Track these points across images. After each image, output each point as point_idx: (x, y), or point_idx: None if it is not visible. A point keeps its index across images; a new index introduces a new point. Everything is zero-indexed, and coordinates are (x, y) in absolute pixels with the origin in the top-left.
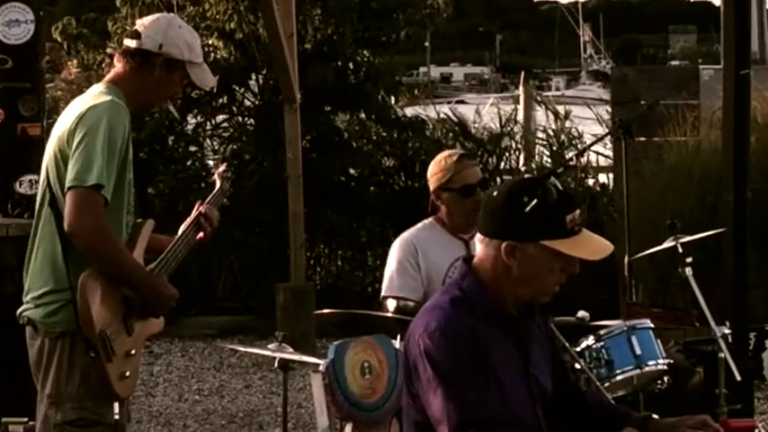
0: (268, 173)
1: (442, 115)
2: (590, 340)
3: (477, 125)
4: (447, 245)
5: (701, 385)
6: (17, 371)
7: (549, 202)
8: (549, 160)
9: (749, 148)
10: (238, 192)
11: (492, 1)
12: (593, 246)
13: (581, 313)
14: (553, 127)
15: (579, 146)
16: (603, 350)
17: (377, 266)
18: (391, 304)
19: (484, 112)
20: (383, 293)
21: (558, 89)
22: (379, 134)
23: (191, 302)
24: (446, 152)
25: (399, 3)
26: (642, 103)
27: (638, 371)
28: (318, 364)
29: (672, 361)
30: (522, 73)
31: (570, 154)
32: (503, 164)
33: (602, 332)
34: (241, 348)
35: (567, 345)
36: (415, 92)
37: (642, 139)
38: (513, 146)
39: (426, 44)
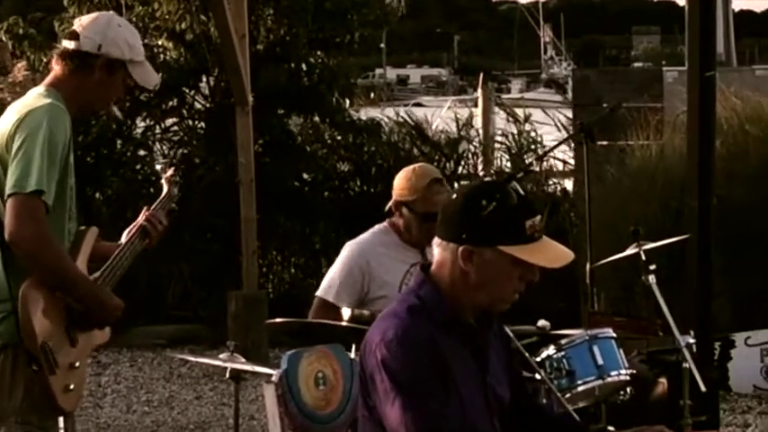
0: (219, 177)
1: (398, 118)
2: (550, 350)
3: (434, 128)
4: (402, 251)
5: (664, 396)
6: None
7: (509, 206)
8: (509, 165)
9: (714, 153)
10: (189, 197)
11: (449, 1)
12: (552, 253)
13: (541, 322)
14: (513, 131)
15: (539, 150)
16: (564, 360)
17: None
18: (346, 313)
19: (441, 115)
20: (319, 293)
21: (521, 92)
22: (334, 138)
23: (139, 311)
24: (419, 169)
25: (354, 3)
26: (604, 105)
27: (600, 381)
28: (271, 375)
29: (635, 371)
30: (481, 75)
31: (530, 158)
32: (461, 168)
33: (563, 342)
34: (191, 358)
35: (527, 355)
36: (372, 95)
37: (604, 143)
38: (472, 150)
39: (382, 45)
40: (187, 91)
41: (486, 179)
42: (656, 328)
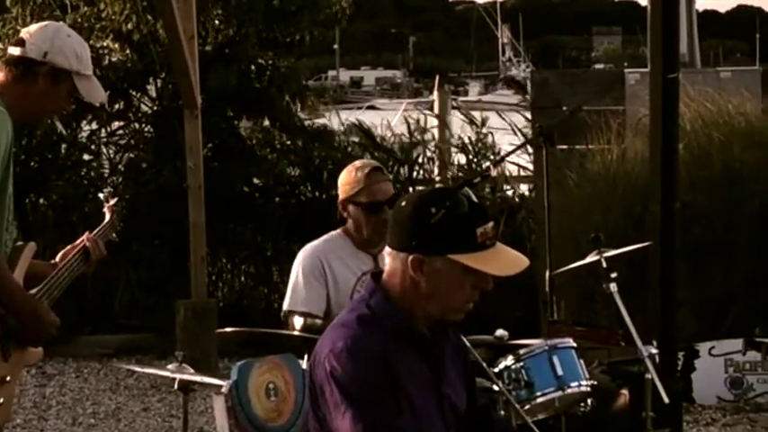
0: (167, 182)
1: (351, 121)
2: (509, 360)
3: (392, 131)
4: (354, 258)
5: (626, 408)
6: None
7: (459, 213)
8: (466, 170)
9: (677, 157)
10: (136, 202)
11: (404, 1)
12: (505, 260)
13: (499, 332)
14: (470, 134)
15: (497, 155)
16: (523, 371)
17: (282, 282)
18: (298, 322)
19: (396, 119)
20: (286, 307)
21: (480, 94)
22: (284, 142)
23: (85, 319)
24: (359, 162)
25: (304, 2)
26: (564, 108)
27: (559, 393)
28: (221, 386)
29: (595, 382)
30: (437, 77)
31: (488, 163)
32: (415, 174)
33: (521, 352)
34: (139, 369)
35: (485, 365)
36: (321, 98)
37: (564, 147)
38: (427, 155)
39: (335, 46)
40: (134, 93)
41: (439, 186)
42: (617, 338)
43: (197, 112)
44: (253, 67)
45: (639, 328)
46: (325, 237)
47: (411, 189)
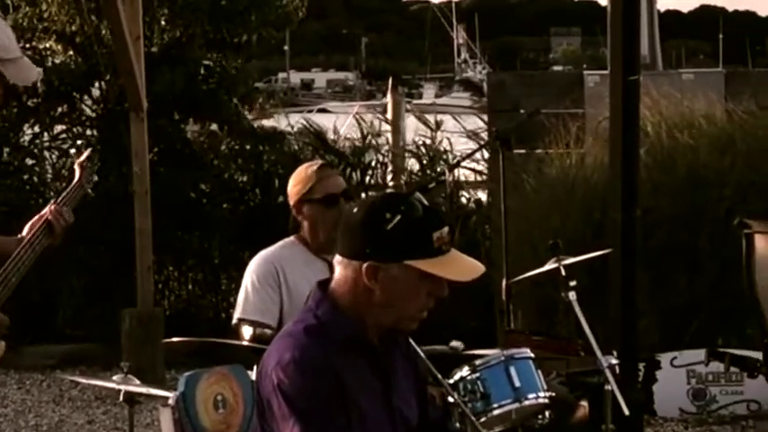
0: (113, 188)
1: (301, 125)
2: (464, 371)
3: (342, 135)
4: (310, 265)
5: (585, 420)
6: None
7: (414, 218)
8: (419, 175)
9: (639, 162)
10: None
11: (356, 0)
12: (461, 266)
13: (454, 342)
14: (424, 138)
15: (452, 159)
16: (479, 382)
17: (231, 290)
18: (247, 332)
19: (347, 123)
20: (237, 315)
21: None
22: (233, 146)
23: (28, 329)
24: (305, 164)
25: (252, 2)
26: (521, 111)
27: (516, 404)
28: (167, 398)
29: (554, 394)
30: (390, 79)
31: (442, 168)
32: (367, 179)
33: (477, 362)
34: (83, 380)
35: (439, 376)
36: (271, 101)
37: (521, 151)
38: (380, 159)
39: (286, 48)
40: (77, 96)
41: (390, 191)
42: (576, 348)
43: (143, 114)
44: (201, 70)
45: (599, 338)
46: (279, 243)
47: (363, 194)
